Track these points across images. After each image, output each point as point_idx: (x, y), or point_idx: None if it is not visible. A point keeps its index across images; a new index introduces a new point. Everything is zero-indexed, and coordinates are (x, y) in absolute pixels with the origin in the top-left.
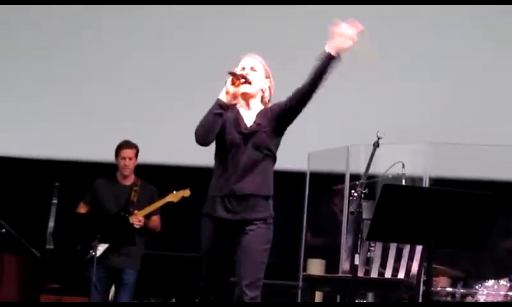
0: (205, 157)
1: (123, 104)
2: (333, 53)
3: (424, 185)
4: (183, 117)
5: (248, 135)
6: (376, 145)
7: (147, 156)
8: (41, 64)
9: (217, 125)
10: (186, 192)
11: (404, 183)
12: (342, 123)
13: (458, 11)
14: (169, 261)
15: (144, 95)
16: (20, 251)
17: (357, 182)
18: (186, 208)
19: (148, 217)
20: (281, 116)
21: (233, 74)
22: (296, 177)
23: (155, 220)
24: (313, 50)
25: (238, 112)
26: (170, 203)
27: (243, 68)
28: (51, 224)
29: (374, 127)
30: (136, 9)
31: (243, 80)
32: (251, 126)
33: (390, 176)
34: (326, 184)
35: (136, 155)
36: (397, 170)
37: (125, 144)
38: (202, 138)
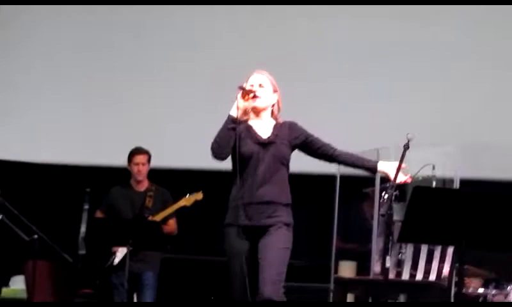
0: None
1: (148, 110)
2: (378, 171)
3: (454, 187)
4: (195, 120)
5: (266, 145)
6: (407, 147)
7: (160, 160)
8: (71, 71)
9: (232, 139)
10: (199, 196)
11: (434, 185)
12: (371, 125)
13: (493, 11)
14: (186, 265)
15: (163, 101)
16: (52, 257)
17: (387, 184)
18: (200, 212)
19: (163, 221)
20: (301, 144)
21: (242, 89)
22: (326, 180)
23: (171, 224)
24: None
25: (250, 125)
26: (184, 207)
27: (251, 85)
28: (83, 229)
29: (404, 129)
30: (161, 10)
31: (252, 94)
32: (268, 137)
33: (421, 178)
34: (356, 187)
35: (149, 160)
36: (427, 172)
37: (137, 151)
38: (218, 153)
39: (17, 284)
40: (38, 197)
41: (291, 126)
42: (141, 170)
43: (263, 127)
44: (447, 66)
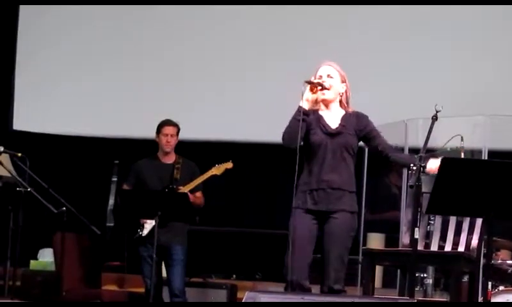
0: (244, 132)
1: (174, 84)
2: (426, 170)
3: (483, 158)
4: (221, 94)
5: (334, 135)
6: (435, 118)
7: (188, 134)
8: (100, 44)
9: (302, 130)
10: (229, 165)
11: (463, 156)
12: (399, 97)
13: None
14: (216, 237)
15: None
16: (80, 229)
17: (416, 156)
18: (230, 183)
19: (191, 193)
20: (363, 136)
21: (310, 83)
22: None
23: (199, 196)
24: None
25: (320, 115)
26: (214, 177)
27: (320, 76)
28: (111, 201)
29: (432, 100)
30: None
31: (320, 87)
32: (336, 128)
33: (449, 149)
34: (385, 159)
35: (177, 133)
36: (455, 143)
37: (167, 122)
38: (289, 142)
39: (46, 257)
40: (66, 170)
41: (358, 117)
42: (169, 141)
43: (332, 117)
44: (476, 36)
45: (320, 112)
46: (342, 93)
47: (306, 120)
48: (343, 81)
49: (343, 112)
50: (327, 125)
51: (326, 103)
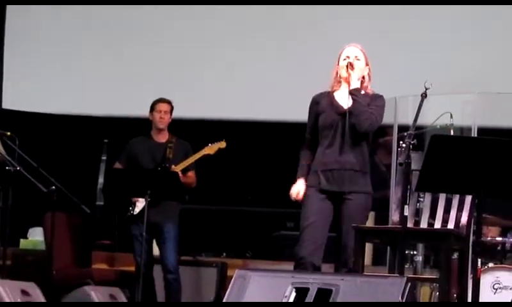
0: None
1: (166, 63)
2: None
3: (472, 135)
4: (215, 72)
5: (346, 115)
6: (424, 96)
7: (181, 112)
8: (91, 22)
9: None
10: (222, 144)
11: (452, 133)
12: (389, 73)
13: None
14: (206, 215)
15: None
16: (70, 208)
17: (405, 133)
18: (222, 161)
19: (183, 173)
20: None
21: (349, 65)
22: None
23: (191, 176)
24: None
25: (333, 96)
26: (207, 156)
27: (347, 57)
28: (101, 180)
29: (421, 78)
30: None
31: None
32: (348, 107)
33: (439, 126)
34: (375, 136)
35: (171, 111)
36: (445, 120)
37: (161, 100)
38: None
39: (35, 236)
40: (56, 149)
41: (373, 98)
42: (163, 117)
43: (345, 97)
44: (465, 14)
45: (335, 93)
46: (365, 76)
47: (320, 102)
48: (366, 64)
49: (362, 93)
50: (339, 105)
51: (349, 82)
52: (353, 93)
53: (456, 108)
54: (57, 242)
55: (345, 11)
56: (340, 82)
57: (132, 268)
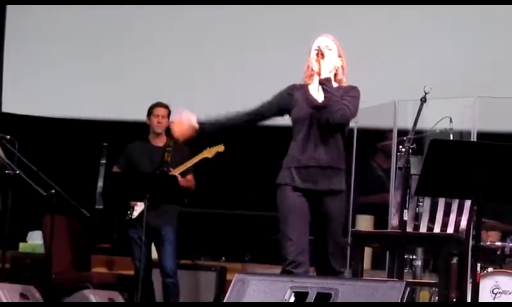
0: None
1: (164, 67)
2: None
3: (472, 140)
4: (214, 76)
5: (320, 109)
6: (424, 100)
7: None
8: (89, 26)
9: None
10: (220, 148)
11: (451, 138)
12: (389, 78)
13: None
14: (205, 219)
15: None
16: (69, 212)
17: (405, 138)
18: (220, 165)
19: (182, 176)
20: None
21: (318, 51)
22: None
23: (190, 179)
24: None
25: (307, 89)
26: (205, 160)
27: (318, 47)
28: (100, 184)
29: (421, 82)
30: None
31: (321, 55)
32: (322, 101)
33: (438, 131)
34: (374, 140)
35: (168, 115)
36: (444, 125)
37: (158, 104)
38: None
39: (35, 239)
40: (55, 152)
41: (347, 90)
42: (161, 122)
43: (320, 91)
44: (465, 18)
45: (309, 86)
46: (338, 67)
47: (294, 95)
48: (340, 55)
49: (336, 86)
50: (313, 98)
51: (321, 74)
52: (323, 82)
53: (456, 112)
54: (57, 245)
55: (344, 13)
56: (312, 75)
57: (131, 272)
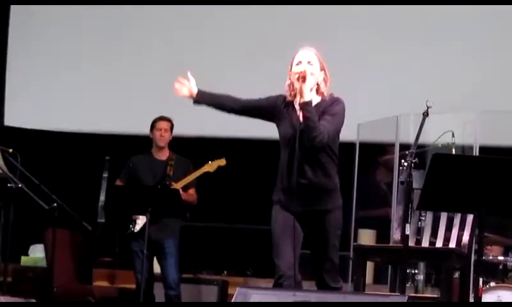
0: (237, 128)
1: (166, 80)
2: None
3: (474, 154)
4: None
5: (302, 132)
6: (426, 114)
7: (181, 130)
8: (91, 40)
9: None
10: (222, 162)
11: (454, 152)
12: (391, 93)
13: None
14: (207, 233)
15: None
16: (71, 225)
17: (407, 152)
18: (221, 179)
19: (184, 190)
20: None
21: (300, 76)
22: (345, 148)
23: (192, 193)
24: None
25: (292, 106)
26: (207, 173)
27: (300, 62)
28: (102, 198)
29: (423, 96)
30: None
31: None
32: (301, 125)
33: (440, 145)
34: (376, 154)
35: (171, 129)
36: (446, 139)
37: (161, 117)
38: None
39: (36, 253)
40: (57, 166)
41: (329, 104)
42: (163, 135)
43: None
44: (468, 34)
45: (295, 104)
46: (320, 82)
47: (281, 111)
48: (322, 69)
49: (318, 100)
50: (296, 116)
51: (302, 96)
52: (304, 107)
53: (458, 127)
54: (58, 258)
55: (344, 24)
56: (294, 95)
57: (133, 286)
